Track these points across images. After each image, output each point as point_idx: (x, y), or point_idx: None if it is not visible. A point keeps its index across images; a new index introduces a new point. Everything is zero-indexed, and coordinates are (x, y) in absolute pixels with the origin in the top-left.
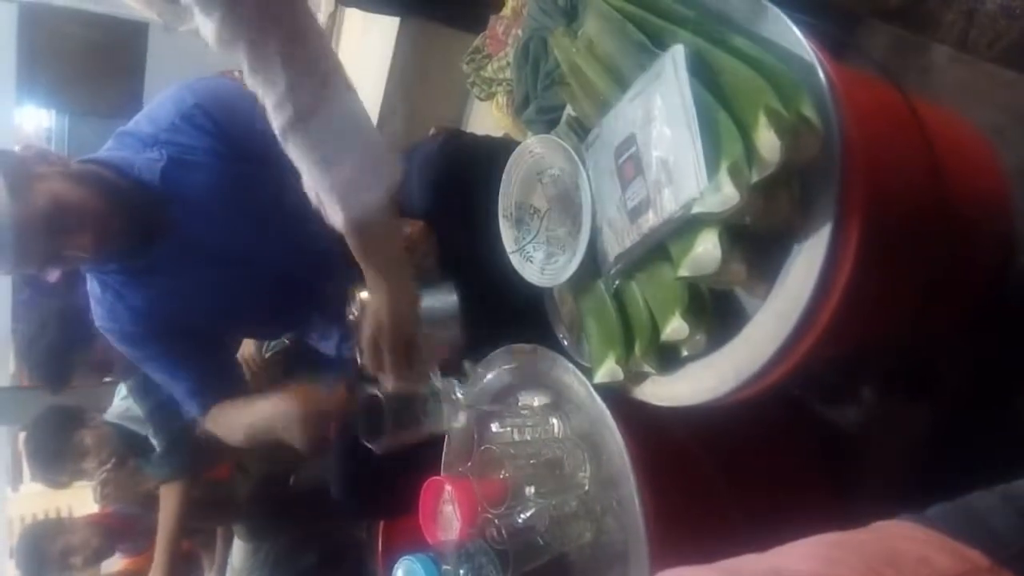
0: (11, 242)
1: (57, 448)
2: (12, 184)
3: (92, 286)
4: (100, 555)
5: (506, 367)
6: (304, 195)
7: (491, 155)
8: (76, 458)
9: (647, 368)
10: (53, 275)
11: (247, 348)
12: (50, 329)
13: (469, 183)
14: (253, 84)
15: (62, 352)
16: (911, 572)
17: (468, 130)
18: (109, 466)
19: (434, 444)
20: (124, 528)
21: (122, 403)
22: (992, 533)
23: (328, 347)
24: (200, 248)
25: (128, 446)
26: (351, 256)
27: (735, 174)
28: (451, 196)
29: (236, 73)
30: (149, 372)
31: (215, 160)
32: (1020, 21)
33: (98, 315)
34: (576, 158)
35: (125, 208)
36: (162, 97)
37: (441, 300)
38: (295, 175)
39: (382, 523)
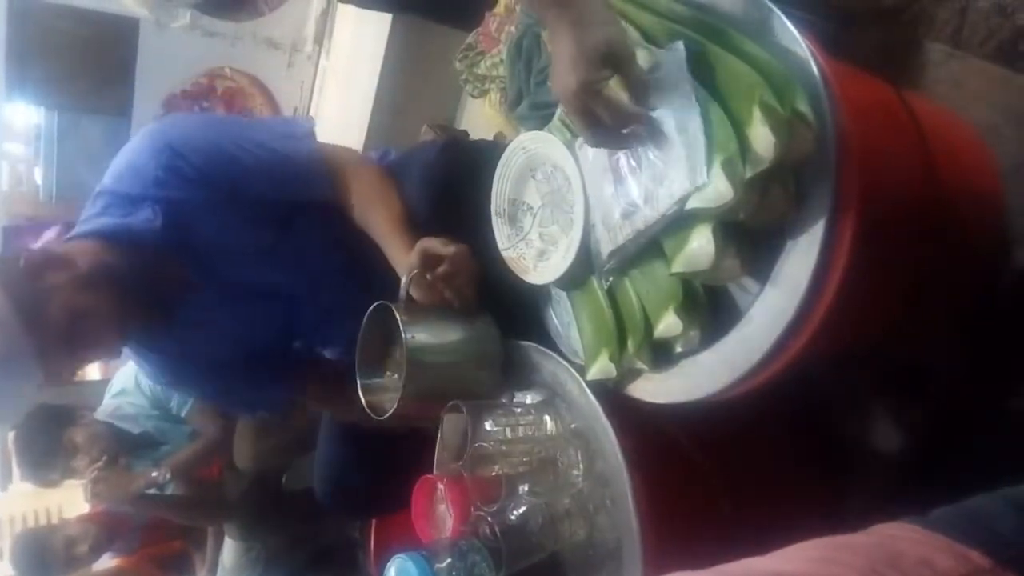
0: (36, 357)
1: (47, 447)
2: (23, 306)
3: (136, 359)
4: (100, 547)
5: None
6: (305, 225)
7: (489, 162)
8: (66, 456)
9: (640, 365)
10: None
11: None
12: None
13: (468, 190)
14: None
15: None
16: (912, 573)
17: (461, 128)
18: (100, 464)
19: (425, 441)
20: (115, 527)
21: (112, 401)
22: (994, 534)
23: (334, 354)
24: (214, 292)
25: (119, 444)
26: (357, 267)
27: (729, 170)
28: (450, 203)
29: (226, 70)
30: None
31: (208, 206)
32: (1012, 19)
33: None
34: (569, 154)
35: (139, 289)
36: (137, 146)
37: (483, 333)
38: (293, 209)
39: (374, 521)
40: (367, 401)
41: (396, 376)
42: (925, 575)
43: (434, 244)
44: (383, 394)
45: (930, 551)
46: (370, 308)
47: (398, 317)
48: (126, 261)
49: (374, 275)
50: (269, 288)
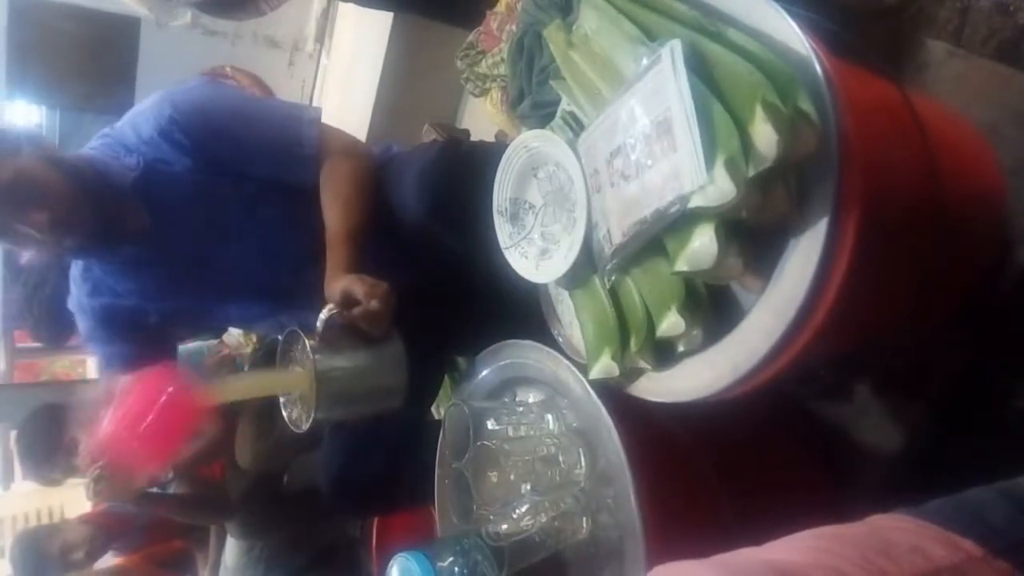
0: None
1: (49, 446)
2: None
3: (74, 271)
4: (97, 552)
5: (502, 363)
6: (279, 205)
7: (488, 164)
8: (68, 455)
9: (643, 364)
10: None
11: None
12: (50, 283)
13: (467, 194)
14: None
15: (62, 302)
16: (905, 562)
17: (462, 126)
18: (102, 463)
19: (431, 439)
20: (118, 526)
21: None
22: (987, 525)
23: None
24: (170, 252)
25: None
26: (317, 258)
27: (732, 168)
28: (448, 208)
29: (227, 69)
30: (92, 343)
31: (189, 175)
32: (1014, 17)
33: (79, 292)
34: (571, 153)
35: (89, 202)
36: (147, 103)
37: (389, 358)
38: (272, 187)
39: (376, 520)
40: (286, 414)
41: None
42: (917, 563)
43: (356, 288)
44: (299, 407)
45: (923, 540)
46: (285, 332)
47: (307, 344)
48: (94, 183)
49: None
50: (220, 266)
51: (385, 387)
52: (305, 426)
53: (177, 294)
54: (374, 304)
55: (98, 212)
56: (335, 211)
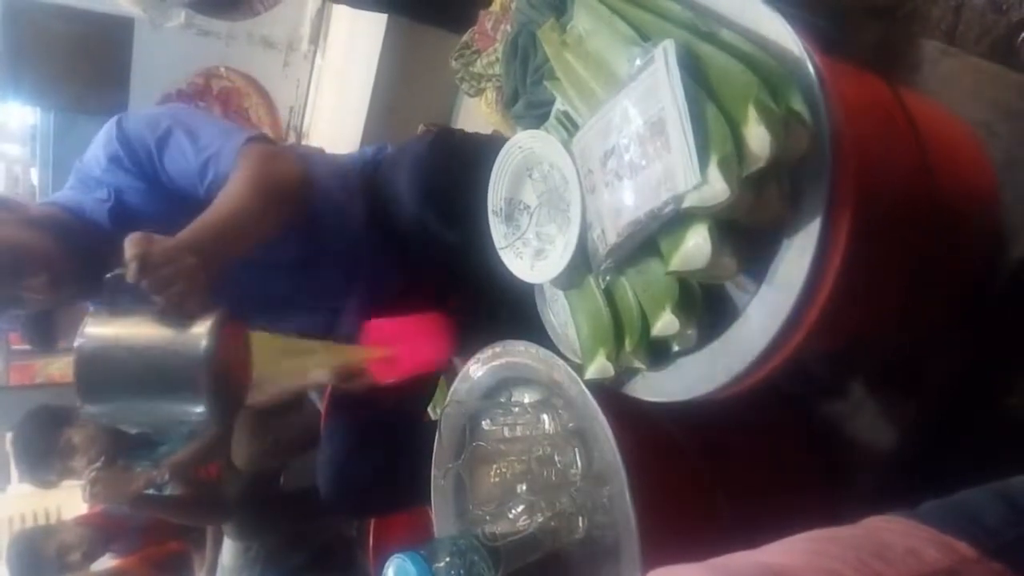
0: None
1: (44, 448)
2: None
3: None
4: (94, 553)
5: (497, 364)
6: None
7: (482, 154)
8: (64, 457)
9: (638, 364)
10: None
11: None
12: None
13: (459, 182)
14: None
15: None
16: (900, 564)
17: (457, 127)
18: (98, 464)
19: (425, 444)
20: (114, 528)
21: None
22: (981, 526)
23: None
24: None
25: (116, 445)
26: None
27: (725, 168)
28: (441, 195)
29: (221, 69)
30: None
31: (145, 196)
32: (1007, 15)
33: None
34: (566, 153)
35: (79, 250)
36: (101, 132)
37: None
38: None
39: (373, 521)
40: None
41: None
42: (912, 566)
43: (152, 248)
44: None
45: (917, 542)
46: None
47: (89, 308)
48: (77, 229)
49: (316, 277)
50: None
51: (176, 376)
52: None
53: None
54: (165, 267)
55: (87, 254)
56: (221, 195)
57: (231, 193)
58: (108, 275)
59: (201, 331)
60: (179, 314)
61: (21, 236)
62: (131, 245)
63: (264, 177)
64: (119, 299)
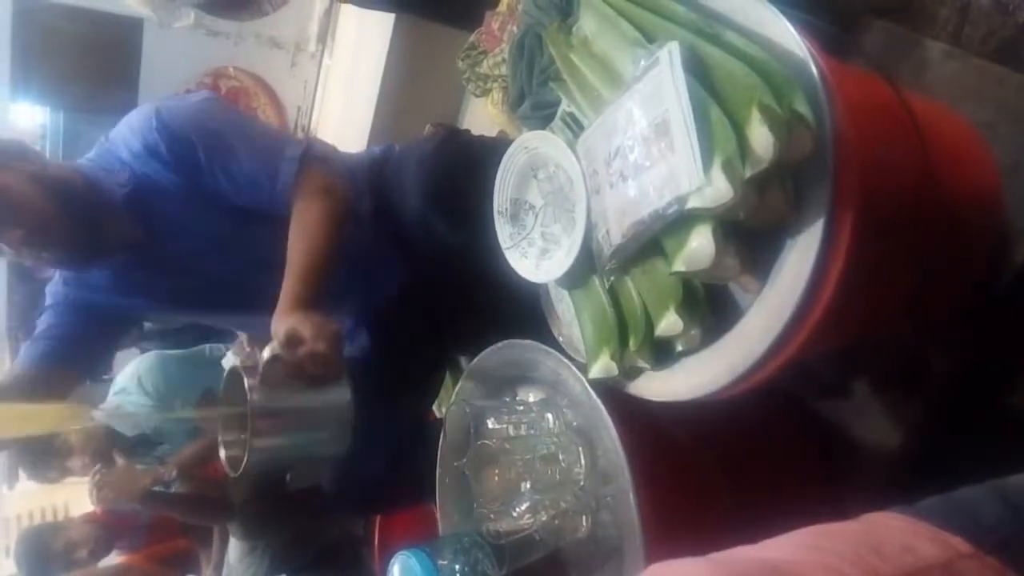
0: None
1: (42, 447)
2: None
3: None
4: (101, 550)
5: (502, 363)
6: (271, 221)
7: (488, 155)
8: (61, 457)
9: (642, 363)
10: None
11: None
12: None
13: (465, 183)
14: None
15: None
16: (895, 560)
17: (463, 127)
18: (100, 467)
19: (430, 442)
20: (121, 525)
21: (114, 399)
22: (977, 522)
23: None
24: (162, 261)
25: (113, 444)
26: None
27: (729, 170)
28: (447, 196)
29: (230, 69)
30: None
31: (177, 190)
32: (1013, 17)
33: (61, 281)
34: (571, 154)
35: (79, 218)
36: (138, 114)
37: (334, 402)
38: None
39: (378, 518)
40: (226, 455)
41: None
42: (908, 561)
43: (303, 328)
44: (240, 449)
45: (914, 538)
46: (227, 371)
47: (246, 383)
48: (86, 198)
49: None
50: (207, 276)
51: (328, 433)
52: (240, 468)
53: (168, 300)
54: (320, 345)
55: (80, 225)
56: (297, 246)
57: (318, 247)
58: (266, 355)
59: (342, 393)
60: (329, 381)
61: (20, 188)
62: (302, 333)
63: (337, 216)
64: (271, 373)
